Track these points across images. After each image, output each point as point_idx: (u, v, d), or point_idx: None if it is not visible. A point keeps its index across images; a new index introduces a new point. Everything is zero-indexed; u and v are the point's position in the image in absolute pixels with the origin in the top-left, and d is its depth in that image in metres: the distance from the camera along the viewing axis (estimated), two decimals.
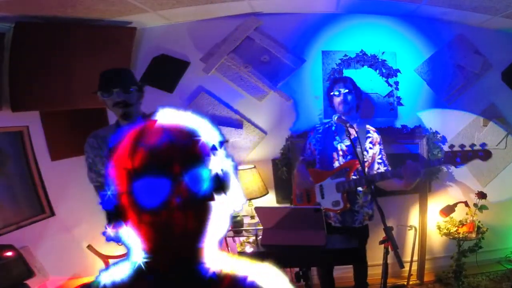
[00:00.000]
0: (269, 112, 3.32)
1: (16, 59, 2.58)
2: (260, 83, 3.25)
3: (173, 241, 0.69)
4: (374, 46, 3.25)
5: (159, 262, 0.69)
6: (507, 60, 3.27)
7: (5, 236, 2.48)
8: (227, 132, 3.30)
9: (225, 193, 0.70)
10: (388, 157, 2.59)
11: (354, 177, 2.46)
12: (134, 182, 0.66)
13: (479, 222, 3.09)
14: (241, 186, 0.76)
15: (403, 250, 3.38)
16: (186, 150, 0.68)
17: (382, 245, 1.82)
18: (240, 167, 3.15)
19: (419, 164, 2.28)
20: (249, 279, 0.70)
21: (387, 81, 3.26)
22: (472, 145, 2.24)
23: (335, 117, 2.38)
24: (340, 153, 2.52)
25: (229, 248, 3.14)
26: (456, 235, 3.03)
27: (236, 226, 3.08)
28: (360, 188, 2.48)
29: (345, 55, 3.24)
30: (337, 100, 2.55)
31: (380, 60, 3.23)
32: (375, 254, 2.84)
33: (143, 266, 0.68)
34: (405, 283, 3.24)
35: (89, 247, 2.85)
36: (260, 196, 3.05)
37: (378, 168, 2.50)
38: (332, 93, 2.59)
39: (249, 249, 2.79)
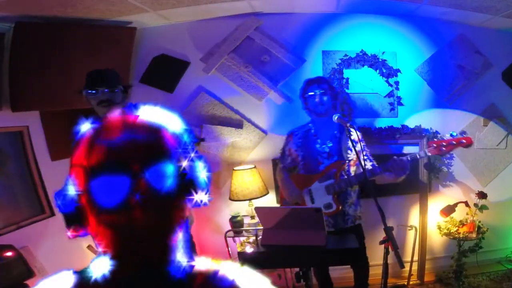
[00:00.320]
0: (269, 112, 3.32)
1: (16, 59, 2.57)
2: (260, 83, 3.24)
3: (136, 243, 0.65)
4: (374, 46, 3.25)
5: (125, 267, 0.65)
6: (508, 60, 3.27)
7: (5, 236, 2.48)
8: (227, 132, 3.30)
9: (193, 190, 0.67)
10: (388, 157, 2.57)
11: (345, 176, 2.44)
12: (91, 181, 0.62)
13: (479, 222, 3.09)
14: (207, 179, 0.72)
15: (403, 250, 3.37)
16: (147, 145, 0.65)
17: (383, 245, 1.82)
18: (240, 167, 3.15)
19: (404, 159, 2.30)
20: (220, 273, 0.67)
21: (387, 81, 3.26)
22: (452, 134, 2.34)
23: (335, 117, 2.35)
24: (325, 155, 2.49)
25: (229, 248, 3.14)
26: (456, 235, 3.03)
27: (236, 226, 3.08)
28: (348, 188, 2.47)
29: (346, 55, 3.24)
30: (312, 101, 2.50)
31: (380, 60, 3.23)
32: (375, 254, 2.84)
33: (108, 273, 0.63)
34: (406, 283, 3.23)
35: (89, 247, 2.85)
36: (260, 196, 3.05)
37: (365, 165, 2.47)
38: (306, 95, 2.53)
39: (249, 249, 2.78)
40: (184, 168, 0.66)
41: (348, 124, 2.25)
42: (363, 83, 3.26)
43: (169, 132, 0.68)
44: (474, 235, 3.01)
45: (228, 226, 3.15)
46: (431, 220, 3.30)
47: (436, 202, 3.31)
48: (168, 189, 0.64)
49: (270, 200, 3.25)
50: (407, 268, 3.21)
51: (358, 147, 2.47)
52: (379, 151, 3.14)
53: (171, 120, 0.71)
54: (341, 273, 3.10)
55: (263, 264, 2.18)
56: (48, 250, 2.69)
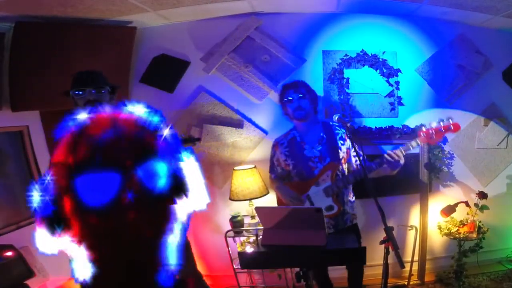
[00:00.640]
0: (269, 112, 3.31)
1: (16, 59, 2.58)
2: (261, 83, 3.24)
3: (125, 248, 0.58)
4: (374, 46, 3.24)
5: (109, 274, 0.58)
6: (508, 60, 3.27)
7: (5, 236, 2.48)
8: (227, 132, 3.30)
9: (184, 193, 0.61)
10: None
11: (340, 176, 2.43)
12: (76, 179, 0.56)
13: (480, 222, 3.09)
14: (203, 183, 0.66)
15: (403, 250, 3.37)
16: (140, 141, 0.60)
17: (383, 245, 1.82)
18: (240, 167, 3.14)
19: (397, 150, 2.33)
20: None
21: (387, 81, 3.25)
22: (440, 119, 2.38)
23: (335, 117, 2.33)
24: (316, 159, 2.44)
25: (229, 248, 3.14)
26: (457, 235, 3.03)
27: (237, 226, 3.08)
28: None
29: (346, 55, 3.23)
30: (291, 107, 2.44)
31: (381, 59, 3.22)
32: (375, 254, 2.84)
33: (90, 280, 0.56)
34: (406, 283, 3.23)
35: None
36: (261, 196, 3.05)
37: (356, 161, 2.46)
38: (284, 101, 2.48)
39: (249, 249, 2.78)
40: (176, 170, 0.61)
41: (348, 125, 2.24)
42: (363, 83, 3.26)
43: (161, 131, 0.63)
44: (474, 235, 3.01)
45: (228, 226, 3.15)
46: (432, 220, 3.30)
47: (437, 202, 3.31)
48: (160, 190, 0.59)
49: (270, 200, 3.25)
50: (407, 268, 3.21)
51: (347, 144, 2.46)
52: (379, 151, 3.14)
53: (162, 121, 0.65)
54: (341, 273, 3.09)
55: (263, 264, 2.18)
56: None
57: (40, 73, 2.62)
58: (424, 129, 2.39)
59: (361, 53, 3.22)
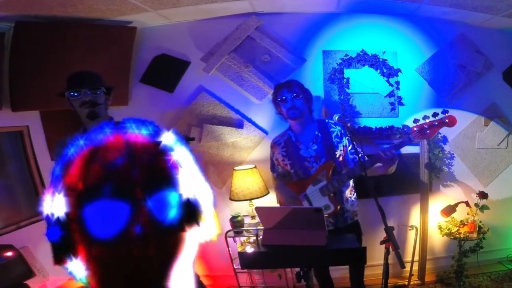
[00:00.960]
0: (269, 111, 3.31)
1: (16, 59, 2.58)
2: (261, 83, 3.24)
3: (131, 281, 0.55)
4: (375, 46, 3.24)
5: None
6: (509, 60, 3.26)
7: (5, 236, 2.48)
8: (227, 132, 3.29)
9: (197, 223, 0.57)
10: None
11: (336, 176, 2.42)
12: (85, 206, 0.52)
13: (480, 222, 3.08)
14: (213, 217, 0.61)
15: (404, 250, 3.37)
16: (151, 169, 0.55)
17: (383, 245, 1.81)
18: (240, 167, 3.14)
19: (391, 148, 2.26)
20: None
21: (388, 81, 3.25)
22: (435, 113, 2.25)
23: (336, 117, 2.33)
24: (312, 159, 2.44)
25: (229, 248, 3.14)
26: (457, 235, 3.02)
27: (237, 226, 3.08)
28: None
29: (346, 55, 3.23)
30: (285, 106, 2.43)
31: (381, 59, 3.22)
32: (375, 254, 2.83)
33: None
34: (406, 283, 3.23)
35: None
36: (261, 196, 3.05)
37: (354, 159, 2.43)
38: (277, 101, 2.47)
39: (249, 249, 2.78)
40: (188, 198, 0.57)
41: (348, 124, 2.23)
42: (363, 83, 3.26)
43: (174, 156, 0.58)
44: (475, 235, 3.01)
45: (228, 226, 3.15)
46: (432, 220, 3.29)
47: (437, 202, 3.31)
48: (171, 221, 0.55)
49: (271, 200, 3.25)
50: (407, 268, 3.21)
51: (344, 142, 2.45)
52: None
53: (176, 144, 0.59)
54: (342, 273, 3.09)
55: (263, 264, 2.18)
56: (48, 250, 2.66)
57: (40, 73, 2.62)
58: (417, 123, 2.28)
59: (361, 53, 3.22)
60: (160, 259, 0.56)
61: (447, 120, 2.21)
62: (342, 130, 2.46)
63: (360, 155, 2.30)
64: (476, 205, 3.09)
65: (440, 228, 3.17)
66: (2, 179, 2.63)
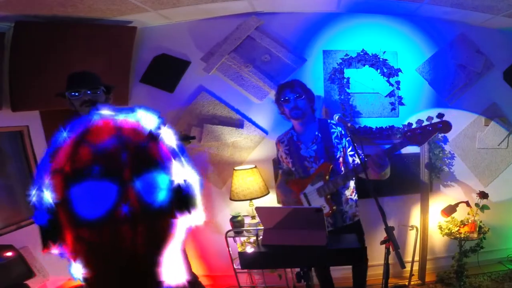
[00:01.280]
0: (269, 111, 3.31)
1: (16, 59, 2.58)
2: (261, 83, 3.24)
3: (119, 264, 0.52)
4: (375, 46, 3.24)
5: None
6: (509, 60, 3.26)
7: (5, 236, 2.48)
8: (228, 132, 3.29)
9: (188, 208, 0.55)
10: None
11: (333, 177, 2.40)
12: (72, 188, 0.50)
13: (480, 222, 3.08)
14: (201, 199, 0.62)
15: (404, 250, 3.37)
16: (140, 151, 0.53)
17: (383, 245, 1.81)
18: (241, 167, 3.14)
19: (381, 153, 2.19)
20: None
21: (388, 81, 3.25)
22: (429, 118, 2.15)
23: (336, 117, 2.32)
24: (311, 159, 2.45)
25: (229, 248, 3.13)
26: (457, 235, 3.02)
27: (237, 226, 3.08)
28: (340, 187, 2.42)
29: (346, 55, 3.23)
30: (287, 106, 2.44)
31: (381, 59, 3.22)
32: (376, 254, 2.83)
33: None
34: (407, 283, 3.23)
35: None
36: (261, 196, 3.05)
37: (353, 161, 2.43)
38: (280, 101, 2.47)
39: (249, 249, 2.78)
40: (180, 183, 0.55)
41: (348, 125, 2.22)
42: (364, 82, 3.26)
43: (164, 141, 0.57)
44: (475, 235, 3.00)
45: (228, 226, 3.15)
46: (432, 220, 3.29)
47: (437, 202, 3.31)
48: (160, 204, 0.52)
49: (271, 200, 3.25)
50: (408, 268, 3.21)
51: (344, 143, 2.45)
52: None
53: (166, 129, 0.59)
54: (342, 273, 3.09)
55: (263, 264, 2.18)
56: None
57: (40, 73, 2.62)
58: (411, 127, 2.18)
59: (362, 53, 3.22)
60: (149, 242, 0.53)
61: (441, 125, 2.10)
62: (342, 131, 2.45)
63: (360, 157, 2.29)
64: (477, 205, 3.09)
65: (440, 228, 3.17)
66: (2, 179, 2.63)
